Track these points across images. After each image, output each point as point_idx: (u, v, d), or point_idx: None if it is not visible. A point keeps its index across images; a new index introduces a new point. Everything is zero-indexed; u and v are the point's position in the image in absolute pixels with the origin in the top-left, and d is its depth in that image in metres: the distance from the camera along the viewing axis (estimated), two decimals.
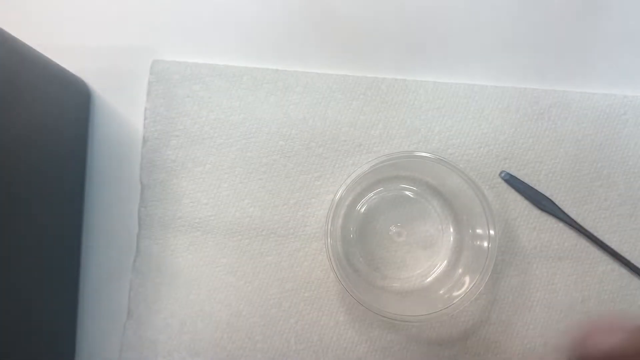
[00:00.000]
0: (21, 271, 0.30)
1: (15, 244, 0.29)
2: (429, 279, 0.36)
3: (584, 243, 0.36)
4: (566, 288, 0.36)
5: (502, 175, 0.36)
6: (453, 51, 0.38)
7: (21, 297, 0.30)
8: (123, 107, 0.37)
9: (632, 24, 0.38)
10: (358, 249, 0.36)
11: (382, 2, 0.38)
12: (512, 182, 0.36)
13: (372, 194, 0.36)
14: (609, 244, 0.36)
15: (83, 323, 0.36)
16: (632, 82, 0.38)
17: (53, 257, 0.33)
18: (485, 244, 0.33)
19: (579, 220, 0.36)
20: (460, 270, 0.35)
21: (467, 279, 0.33)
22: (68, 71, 0.35)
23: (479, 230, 0.34)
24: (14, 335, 0.29)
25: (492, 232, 0.33)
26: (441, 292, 0.34)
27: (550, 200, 0.36)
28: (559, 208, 0.36)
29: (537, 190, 0.36)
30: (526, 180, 0.36)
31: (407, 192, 0.36)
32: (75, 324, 0.36)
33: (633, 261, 0.36)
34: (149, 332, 0.35)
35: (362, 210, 0.36)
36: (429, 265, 0.36)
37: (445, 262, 0.36)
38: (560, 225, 0.36)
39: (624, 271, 0.36)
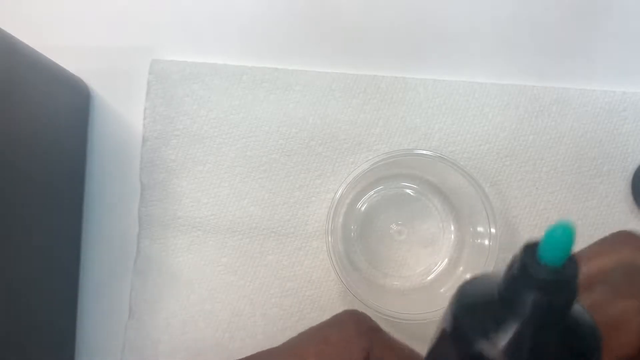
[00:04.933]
0: (20, 272, 0.30)
1: (13, 245, 0.29)
2: (430, 277, 0.36)
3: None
4: None
5: None
6: (453, 49, 0.38)
7: (20, 298, 0.30)
8: (122, 107, 0.37)
9: (631, 21, 0.38)
10: (359, 247, 0.36)
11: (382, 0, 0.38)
12: None
13: (372, 192, 0.36)
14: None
15: (84, 324, 0.36)
16: (631, 79, 0.38)
17: (52, 257, 0.33)
18: (487, 241, 0.33)
19: (580, 217, 0.36)
20: (461, 269, 0.34)
21: (468, 277, 0.33)
22: (67, 71, 0.35)
23: (480, 228, 0.34)
24: (13, 336, 0.29)
25: (493, 229, 0.33)
26: (442, 290, 0.34)
27: None
28: None
29: None
30: (526, 178, 0.36)
31: (408, 190, 0.36)
32: (75, 325, 0.36)
33: None
34: (150, 332, 0.35)
35: (363, 208, 0.36)
36: (430, 263, 0.36)
37: (446, 260, 0.36)
38: None
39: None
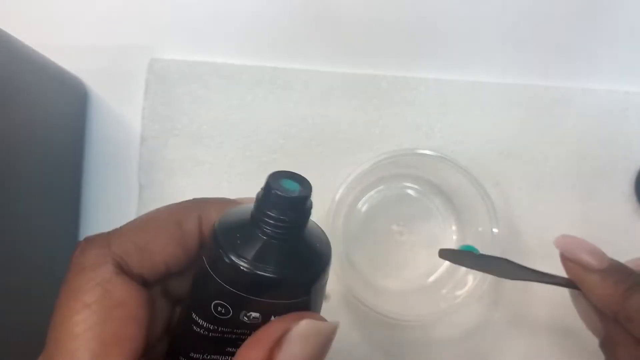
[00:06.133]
0: (17, 273, 0.29)
1: (10, 246, 0.28)
2: (431, 278, 0.35)
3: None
4: None
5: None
6: (454, 48, 0.37)
7: (18, 301, 0.29)
8: (121, 106, 0.37)
9: (634, 20, 0.38)
10: (359, 248, 0.35)
11: None
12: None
13: (373, 193, 0.36)
14: (612, 242, 0.35)
15: None
16: (634, 78, 0.37)
17: (50, 259, 0.33)
18: (489, 242, 0.33)
19: (583, 217, 0.36)
20: (463, 270, 0.34)
21: (470, 278, 0.33)
22: (65, 70, 0.35)
23: (481, 229, 0.33)
24: (10, 338, 0.29)
25: (495, 230, 0.32)
26: (444, 291, 0.34)
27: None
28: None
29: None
30: (528, 178, 0.36)
31: (409, 191, 0.36)
32: None
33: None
34: None
35: (364, 209, 0.36)
36: (431, 264, 0.35)
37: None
38: (564, 223, 0.36)
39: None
